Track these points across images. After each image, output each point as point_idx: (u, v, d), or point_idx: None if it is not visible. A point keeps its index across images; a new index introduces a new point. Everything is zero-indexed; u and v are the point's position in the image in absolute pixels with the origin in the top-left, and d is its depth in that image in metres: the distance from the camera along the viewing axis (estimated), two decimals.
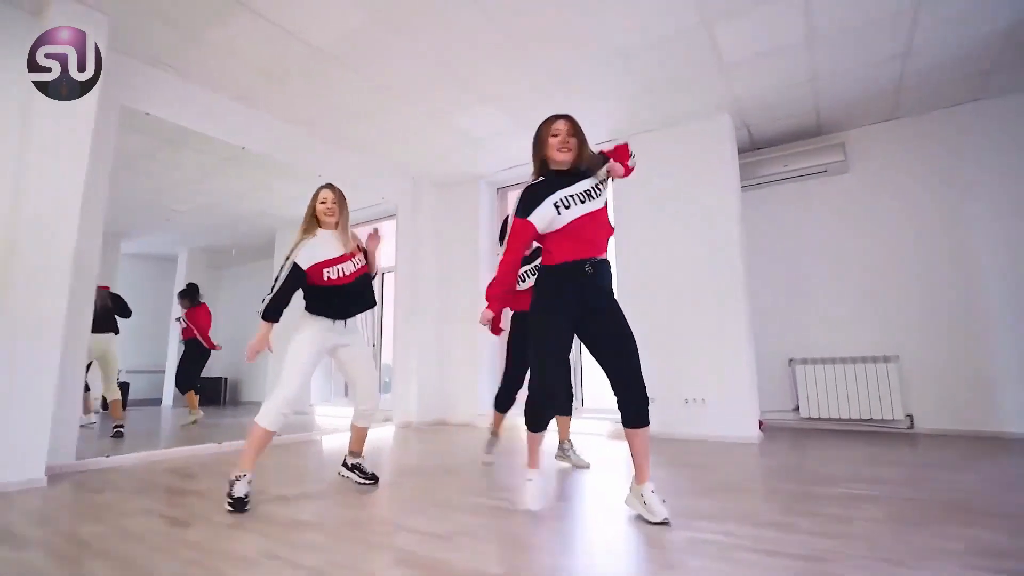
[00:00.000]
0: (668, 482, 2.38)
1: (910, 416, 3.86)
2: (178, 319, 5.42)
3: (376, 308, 6.04)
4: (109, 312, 4.33)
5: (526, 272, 2.83)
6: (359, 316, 2.52)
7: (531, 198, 1.91)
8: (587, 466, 2.82)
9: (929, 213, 4.00)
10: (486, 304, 2.12)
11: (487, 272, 5.21)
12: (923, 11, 2.90)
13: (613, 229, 2.00)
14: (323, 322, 2.32)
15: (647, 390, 1.84)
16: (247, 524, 1.79)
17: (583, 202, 1.88)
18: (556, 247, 1.89)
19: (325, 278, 2.29)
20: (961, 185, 3.91)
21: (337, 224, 2.39)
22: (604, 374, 1.88)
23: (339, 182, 4.47)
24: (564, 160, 1.94)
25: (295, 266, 2.24)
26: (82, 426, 3.81)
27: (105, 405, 4.46)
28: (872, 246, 4.18)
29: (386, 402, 5.48)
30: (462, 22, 3.00)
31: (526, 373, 2.74)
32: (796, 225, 4.50)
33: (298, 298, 2.32)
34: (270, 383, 6.49)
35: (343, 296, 2.36)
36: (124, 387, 5.78)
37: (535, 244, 2.10)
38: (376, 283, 6.01)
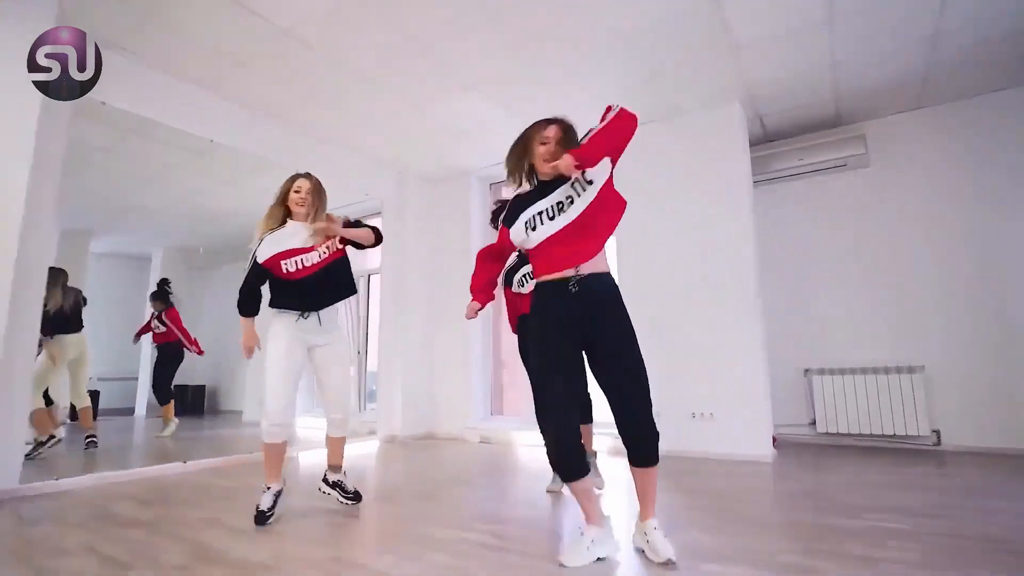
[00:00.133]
0: (673, 511, 2.24)
1: (936, 432, 3.72)
2: (160, 321, 5.23)
3: (361, 312, 5.95)
4: (80, 309, 4.20)
5: (525, 276, 2.73)
6: (341, 315, 2.47)
7: (513, 209, 1.85)
8: (600, 487, 2.68)
9: (958, 211, 3.85)
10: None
11: None
12: None
13: (616, 214, 1.77)
14: (288, 317, 2.30)
15: (655, 423, 1.66)
16: (194, 567, 1.65)
17: (552, 218, 1.73)
18: (535, 263, 1.80)
19: (284, 271, 2.28)
20: (993, 181, 3.76)
21: (308, 216, 2.32)
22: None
23: (318, 175, 4.32)
24: (549, 173, 1.78)
25: (254, 261, 2.30)
26: (43, 443, 3.71)
27: (74, 414, 4.34)
28: (895, 247, 4.03)
29: (371, 413, 5.36)
30: (441, 1, 2.86)
31: None
32: (812, 223, 4.35)
33: None
34: (250, 391, 6.38)
35: (303, 289, 2.29)
36: (94, 396, 5.63)
37: None
38: (361, 285, 5.90)
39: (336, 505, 2.39)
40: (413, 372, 5.09)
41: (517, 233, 1.79)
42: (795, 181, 4.38)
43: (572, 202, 1.72)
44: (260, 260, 2.28)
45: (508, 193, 3.09)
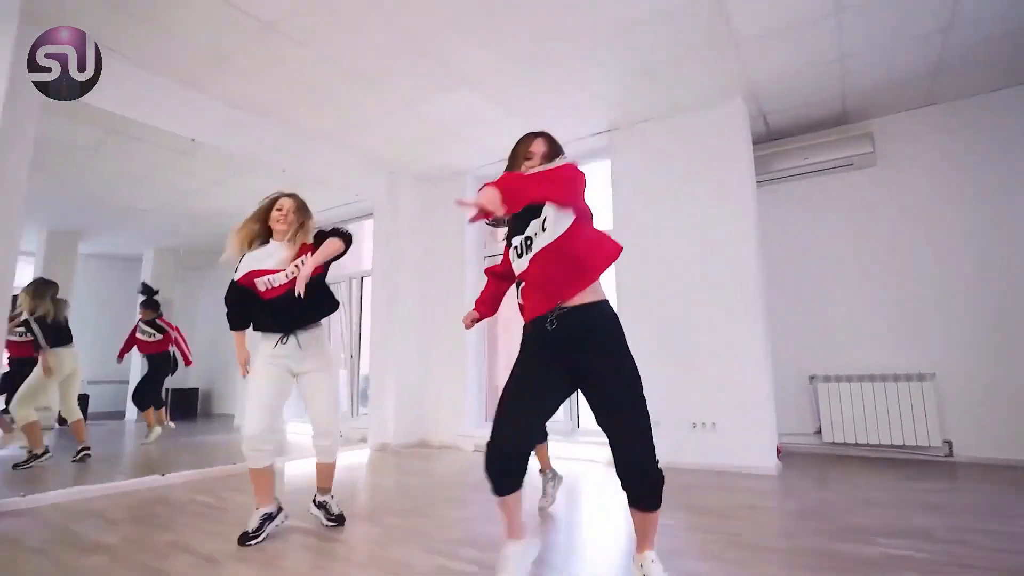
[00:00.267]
0: (672, 533, 2.09)
1: (948, 443, 3.56)
2: (152, 328, 5.06)
3: (354, 315, 5.80)
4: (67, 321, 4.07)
5: None
6: (325, 337, 2.38)
7: (511, 228, 1.71)
8: (548, 506, 2.57)
9: (969, 212, 3.69)
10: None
11: (474, 275, 4.92)
12: None
13: (599, 257, 1.56)
14: (270, 340, 2.25)
15: (655, 465, 1.46)
16: None
17: (520, 256, 1.60)
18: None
19: (260, 289, 2.23)
20: (1006, 181, 3.60)
21: (288, 235, 2.27)
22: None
23: (307, 177, 4.15)
24: None
25: (232, 280, 2.28)
26: (37, 456, 3.61)
27: (63, 420, 4.20)
28: (904, 249, 3.87)
29: (363, 419, 5.21)
30: None
31: None
32: (817, 225, 4.19)
33: None
34: (241, 395, 6.25)
35: (274, 309, 2.22)
36: (84, 400, 5.51)
37: None
38: (353, 287, 5.75)
39: (319, 527, 2.28)
40: (406, 378, 4.94)
41: (511, 255, 1.68)
42: (799, 181, 4.23)
43: (533, 241, 1.56)
44: (236, 278, 2.25)
45: None
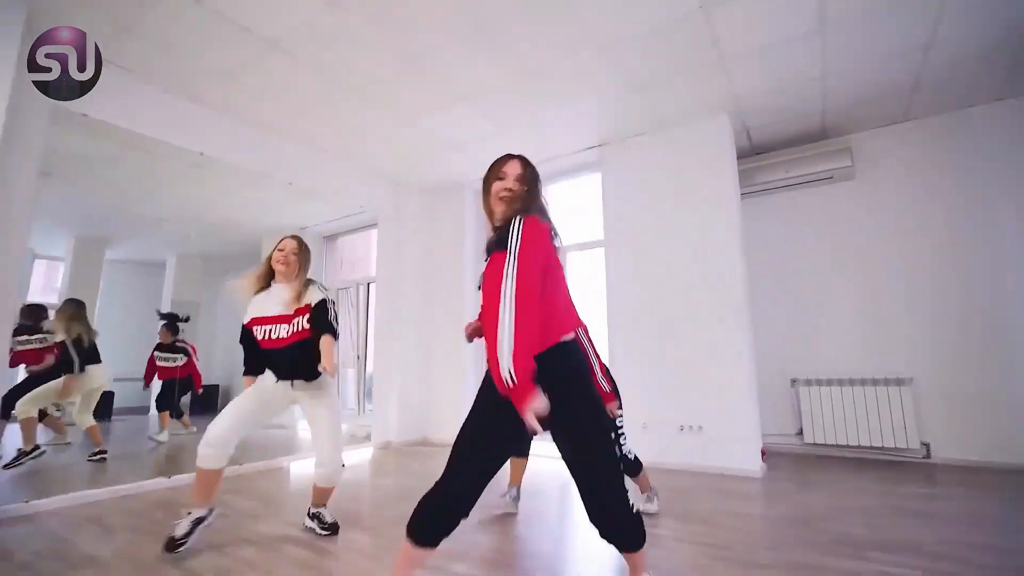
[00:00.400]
0: (662, 544, 1.90)
1: (926, 445, 3.37)
2: (173, 352, 4.84)
3: (361, 317, 5.62)
4: None
5: None
6: (323, 381, 2.16)
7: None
8: (514, 512, 2.42)
9: (943, 223, 3.51)
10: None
11: (473, 282, 4.73)
12: None
13: (553, 306, 1.29)
14: (270, 376, 2.10)
15: (627, 509, 1.26)
16: None
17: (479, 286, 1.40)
18: None
19: (259, 336, 2.06)
20: (979, 193, 3.41)
21: (288, 276, 2.11)
22: None
23: (314, 189, 3.94)
24: (500, 216, 1.39)
25: (242, 326, 2.14)
26: (27, 453, 3.35)
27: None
28: (881, 258, 3.69)
29: (367, 417, 5.02)
30: (427, 11, 2.53)
31: None
32: (798, 235, 4.00)
33: None
34: None
35: (273, 360, 2.07)
36: (109, 396, 5.33)
37: None
38: (360, 292, 5.54)
39: (313, 536, 2.11)
40: (408, 378, 4.75)
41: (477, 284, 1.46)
42: (781, 193, 4.04)
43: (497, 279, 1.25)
44: (244, 321, 2.12)
45: None
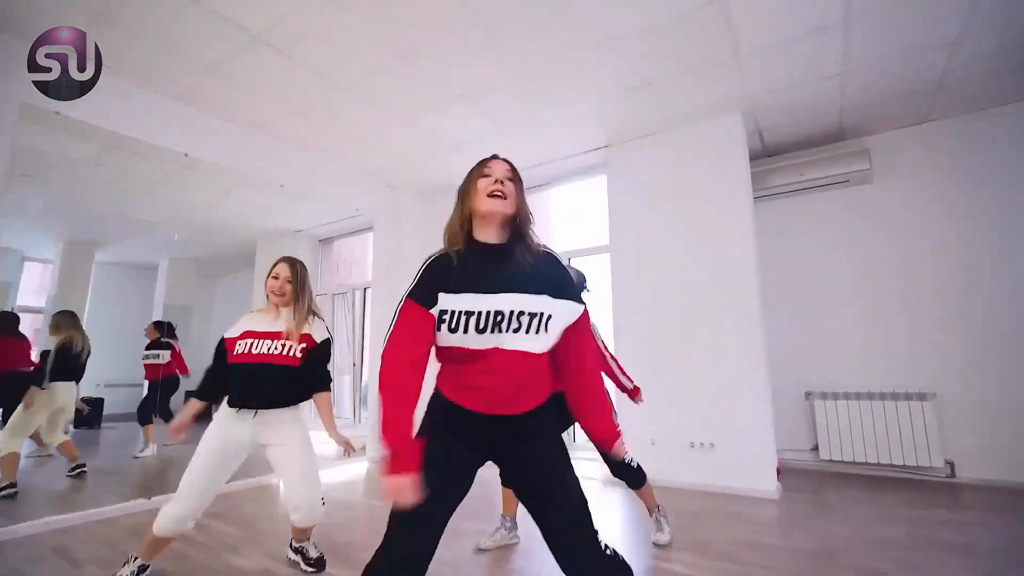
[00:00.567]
0: None
1: (951, 463, 3.19)
2: (159, 348, 4.68)
3: (357, 322, 5.45)
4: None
5: None
6: (294, 413, 1.93)
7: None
8: (517, 541, 2.24)
9: (967, 229, 3.32)
10: None
11: None
12: None
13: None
14: (231, 412, 1.85)
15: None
16: None
17: (490, 330, 1.27)
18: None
19: (234, 352, 1.85)
20: (1008, 197, 3.23)
21: (285, 307, 1.95)
22: None
23: (308, 190, 3.72)
24: (489, 216, 1.28)
25: (221, 339, 1.94)
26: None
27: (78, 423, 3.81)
28: (901, 266, 3.50)
29: (363, 427, 4.85)
30: (425, 8, 2.36)
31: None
32: (813, 242, 3.82)
33: None
34: None
35: (243, 375, 1.83)
36: (99, 402, 5.17)
37: None
38: (357, 296, 5.36)
39: (297, 571, 1.96)
40: None
41: (458, 319, 1.26)
42: (795, 197, 3.86)
43: (509, 327, 1.20)
44: (233, 334, 1.92)
45: None
